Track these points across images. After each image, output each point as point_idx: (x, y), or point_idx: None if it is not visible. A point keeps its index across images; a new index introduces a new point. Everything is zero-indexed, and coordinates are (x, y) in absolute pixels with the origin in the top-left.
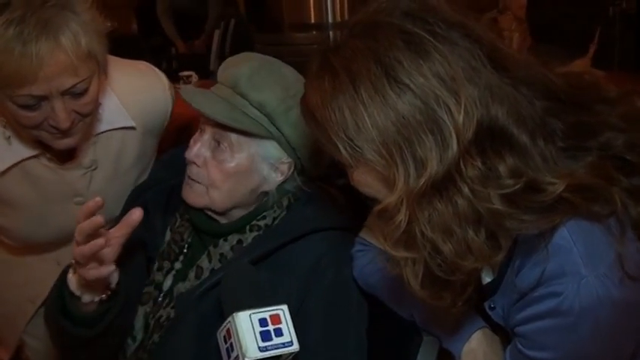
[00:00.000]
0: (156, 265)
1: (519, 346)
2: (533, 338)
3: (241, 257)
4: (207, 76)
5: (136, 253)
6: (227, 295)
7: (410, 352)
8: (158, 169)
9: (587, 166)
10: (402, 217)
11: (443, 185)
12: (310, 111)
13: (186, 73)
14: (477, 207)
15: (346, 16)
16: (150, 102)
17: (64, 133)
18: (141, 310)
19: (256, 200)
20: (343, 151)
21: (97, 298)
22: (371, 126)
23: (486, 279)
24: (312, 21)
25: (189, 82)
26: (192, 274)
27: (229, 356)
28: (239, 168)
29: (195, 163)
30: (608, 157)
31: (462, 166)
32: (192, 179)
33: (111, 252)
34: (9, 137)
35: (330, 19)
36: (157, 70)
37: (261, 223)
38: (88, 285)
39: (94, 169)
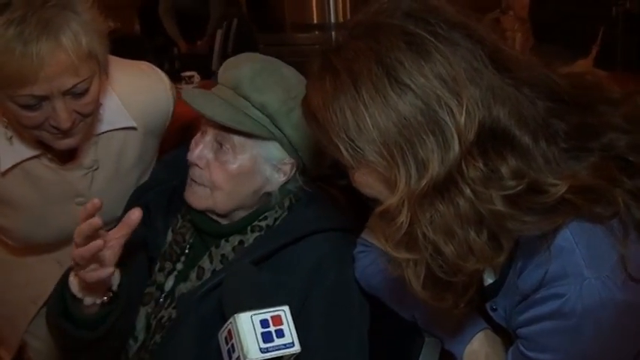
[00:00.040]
0: (157, 266)
1: (521, 348)
2: (535, 340)
3: (243, 258)
4: (210, 77)
5: (138, 253)
6: (228, 296)
7: (412, 353)
8: (160, 169)
9: (590, 167)
10: (403, 218)
11: (444, 186)
12: (312, 112)
13: (188, 73)
14: (479, 208)
15: (348, 17)
16: (151, 102)
17: (65, 134)
18: (142, 311)
19: (259, 201)
20: (344, 152)
21: (98, 301)
22: (372, 127)
23: (488, 280)
24: (315, 21)
25: (192, 83)
26: (193, 275)
27: (230, 357)
28: (242, 169)
29: (197, 165)
30: (610, 158)
31: (464, 168)
32: (195, 181)
33: (111, 254)
34: (11, 137)
35: (332, 20)
36: (158, 70)
37: (263, 223)
38: (89, 287)
39: (95, 170)
